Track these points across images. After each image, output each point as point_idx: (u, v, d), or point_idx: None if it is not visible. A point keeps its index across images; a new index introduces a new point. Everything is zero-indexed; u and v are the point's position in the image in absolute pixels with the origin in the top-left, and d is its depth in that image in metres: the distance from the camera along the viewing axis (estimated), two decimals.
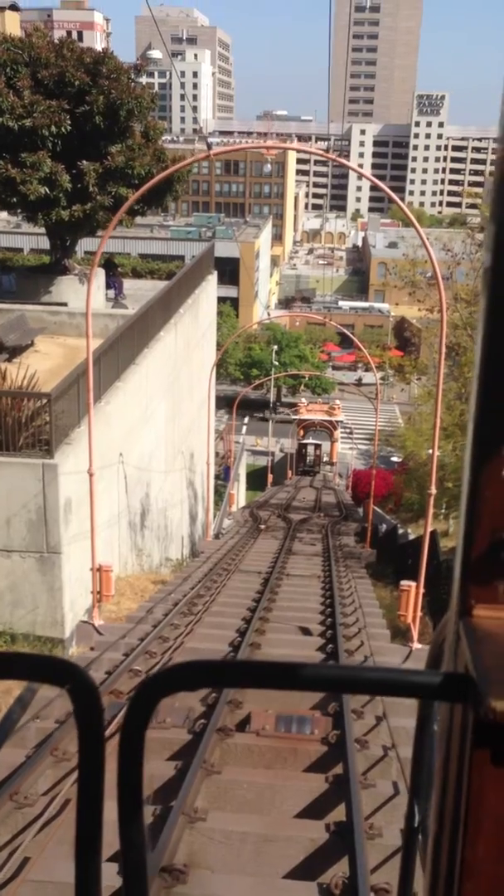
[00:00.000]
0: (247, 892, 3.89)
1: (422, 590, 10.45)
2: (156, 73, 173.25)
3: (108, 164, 19.52)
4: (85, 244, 28.89)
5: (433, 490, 10.99)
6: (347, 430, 55.94)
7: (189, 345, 24.81)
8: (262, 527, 24.10)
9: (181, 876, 3.82)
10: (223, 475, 40.05)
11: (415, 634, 10.22)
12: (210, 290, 29.21)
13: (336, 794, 4.91)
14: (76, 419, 14.18)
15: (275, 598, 11.67)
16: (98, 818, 0.82)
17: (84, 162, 19.26)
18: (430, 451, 13.21)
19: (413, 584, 10.62)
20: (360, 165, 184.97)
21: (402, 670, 0.83)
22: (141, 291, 25.02)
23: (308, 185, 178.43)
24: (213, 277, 29.60)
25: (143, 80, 22.31)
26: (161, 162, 21.44)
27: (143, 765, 0.81)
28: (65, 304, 22.12)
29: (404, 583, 10.99)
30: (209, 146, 10.83)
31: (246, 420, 65.72)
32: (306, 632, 9.62)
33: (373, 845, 4.23)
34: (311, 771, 5.59)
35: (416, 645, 9.95)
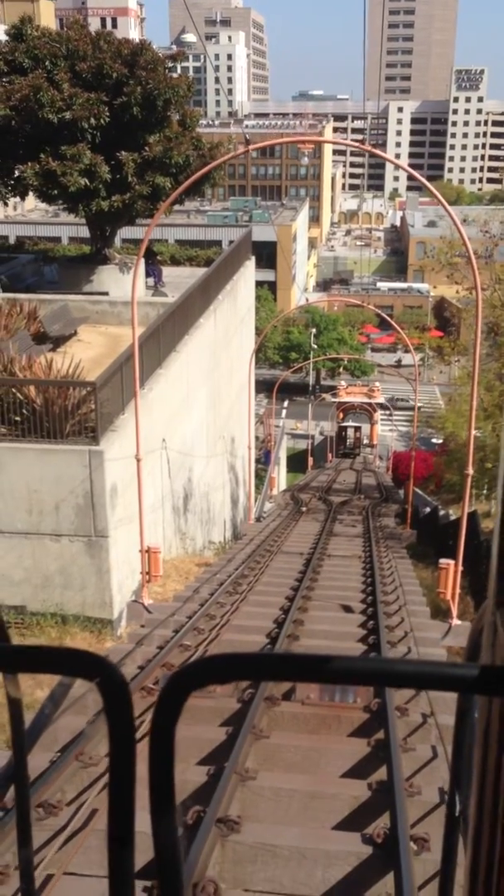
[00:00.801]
0: (296, 840, 4.23)
1: (460, 568, 10.64)
2: (190, 57, 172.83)
3: (147, 154, 19.79)
4: (123, 232, 29.26)
5: (470, 471, 11.15)
6: (388, 412, 55.81)
7: (228, 331, 25.09)
8: (304, 509, 24.38)
9: (235, 826, 4.18)
10: (263, 459, 40.37)
11: (454, 611, 10.45)
12: (248, 275, 29.41)
13: (378, 757, 5.23)
14: (120, 406, 14.54)
15: (317, 577, 11.98)
16: (130, 815, 0.82)
17: (123, 153, 19.56)
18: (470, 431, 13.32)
19: (452, 562, 10.82)
20: (398, 144, 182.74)
21: (438, 663, 0.82)
22: (180, 279, 25.33)
23: (345, 166, 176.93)
24: (250, 263, 29.80)
25: (178, 66, 22.49)
26: (198, 150, 21.66)
27: (174, 761, 0.81)
28: (106, 294, 22.51)
29: (443, 561, 11.21)
30: (247, 141, 11.03)
31: (286, 404, 65.89)
32: (348, 609, 9.92)
33: (412, 802, 4.53)
34: (355, 736, 5.90)
35: (456, 621, 10.18)
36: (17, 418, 13.46)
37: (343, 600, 10.32)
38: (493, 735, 0.86)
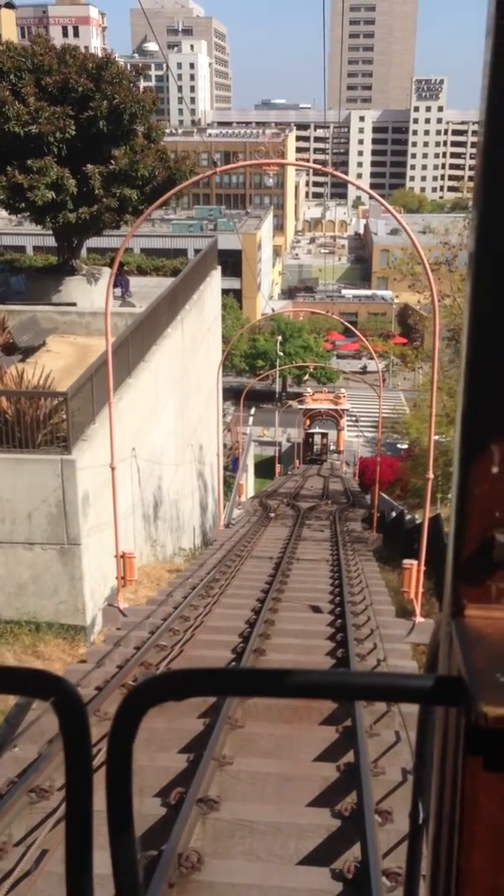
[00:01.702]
0: (271, 816, 4.55)
1: (423, 567, 11.08)
2: (152, 66, 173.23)
3: (113, 166, 20.09)
4: (89, 241, 29.42)
5: (431, 474, 11.60)
6: (353, 419, 56.52)
7: (195, 340, 25.40)
8: (272, 515, 24.74)
9: (215, 805, 4.49)
10: (231, 466, 40.67)
11: (417, 609, 10.88)
12: (214, 285, 29.77)
13: (346, 743, 5.58)
14: (91, 416, 14.78)
15: (286, 580, 12.35)
16: (88, 837, 0.79)
17: (89, 165, 19.83)
18: (434, 436, 13.77)
19: (414, 562, 11.26)
20: (360, 152, 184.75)
21: (394, 675, 0.82)
22: (146, 289, 25.58)
23: (308, 174, 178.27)
24: (216, 273, 30.16)
25: (142, 79, 22.82)
26: (164, 162, 22.02)
27: (131, 781, 0.79)
28: (73, 304, 22.73)
29: (406, 561, 11.65)
30: (214, 163, 11.37)
31: (252, 411, 66.33)
32: (317, 609, 10.30)
33: (377, 781, 4.90)
34: (325, 724, 6.25)
35: (419, 619, 10.61)
36: None
37: (312, 601, 10.71)
38: (450, 743, 0.86)
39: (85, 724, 0.80)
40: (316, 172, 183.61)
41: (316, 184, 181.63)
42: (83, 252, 27.32)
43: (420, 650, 10.21)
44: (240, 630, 8.83)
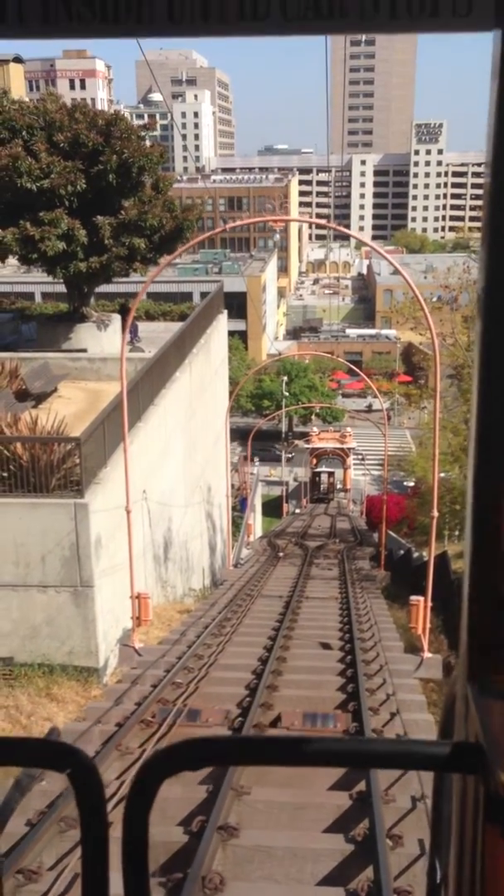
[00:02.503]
0: (288, 842, 4.77)
1: (430, 604, 11.31)
2: (157, 115, 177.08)
3: (123, 217, 20.74)
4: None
5: (435, 512, 11.88)
6: (359, 457, 56.83)
7: (203, 382, 25.86)
8: (281, 554, 24.96)
9: (234, 832, 4.71)
10: (239, 506, 40.90)
11: (425, 645, 11.10)
12: (221, 328, 30.34)
13: (358, 773, 5.79)
14: (103, 460, 15.11)
15: (296, 618, 12.59)
16: None
17: (99, 217, 20.48)
18: (439, 474, 14.06)
19: (421, 598, 11.50)
20: (362, 195, 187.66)
21: (411, 741, 0.84)
22: (155, 333, 26.12)
23: (311, 217, 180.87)
24: (223, 316, 30.75)
25: (149, 134, 23.63)
26: (171, 212, 22.71)
27: (147, 854, 0.78)
28: (84, 350, 23.23)
29: (413, 598, 11.88)
30: (224, 221, 11.86)
31: (259, 452, 66.68)
32: (326, 646, 10.54)
33: (388, 808, 5.12)
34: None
35: (427, 655, 10.83)
36: (4, 474, 13.98)
37: (322, 638, 10.95)
38: (468, 809, 0.84)
39: (101, 797, 0.80)
40: (319, 215, 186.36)
41: (318, 226, 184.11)
42: (92, 299, 27.96)
43: (429, 687, 10.41)
44: (252, 667, 9.08)
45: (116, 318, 25.40)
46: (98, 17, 0.93)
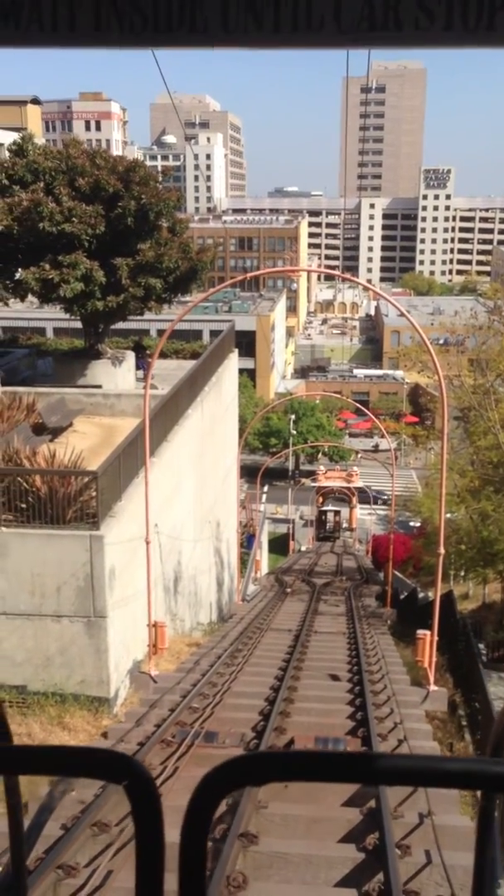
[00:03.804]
0: (304, 849, 5.09)
1: (435, 637, 11.62)
2: (170, 156, 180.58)
3: (140, 259, 21.40)
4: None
5: (442, 550, 12.24)
6: (373, 495, 57.09)
7: (214, 420, 26.35)
8: (289, 590, 25.22)
9: (255, 839, 5.04)
10: (246, 543, 41.16)
11: (431, 678, 11.39)
12: (231, 367, 30.92)
13: (370, 791, 6.10)
14: (118, 494, 15.50)
15: (305, 651, 12.90)
16: None
17: (118, 259, 21.14)
18: (445, 514, 14.42)
19: (428, 632, 11.82)
20: (370, 238, 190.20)
21: (485, 760, 0.76)
22: (167, 371, 26.66)
23: (320, 258, 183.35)
24: (234, 355, 31.35)
25: (160, 163, 24.40)
26: (186, 254, 23.40)
27: (205, 874, 0.75)
28: (99, 386, 23.75)
29: (420, 632, 12.20)
30: (245, 271, 12.42)
31: (265, 489, 67.00)
32: (335, 678, 10.84)
33: (397, 823, 5.44)
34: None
35: (433, 687, 11.13)
36: (23, 505, 14.37)
37: (331, 670, 11.26)
38: None
39: (158, 810, 0.77)
40: (328, 257, 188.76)
41: (328, 267, 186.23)
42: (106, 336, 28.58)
43: (439, 723, 10.69)
44: (265, 695, 9.40)
45: (130, 356, 26.01)
46: (151, 26, 0.91)
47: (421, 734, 7.77)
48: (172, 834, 0.73)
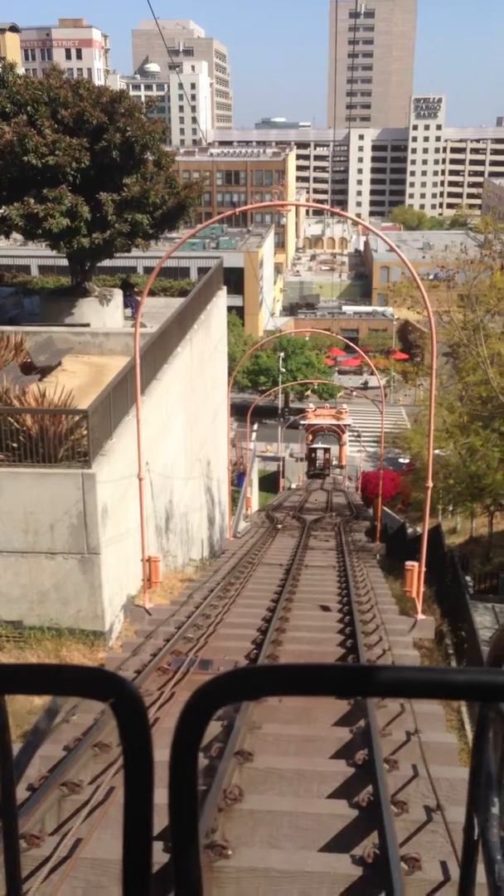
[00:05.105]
0: (297, 765, 5.34)
1: (423, 568, 11.90)
2: (154, 86, 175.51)
3: (125, 194, 21.03)
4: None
5: (430, 483, 12.43)
6: (355, 434, 57.40)
7: (203, 358, 26.28)
8: (279, 526, 25.55)
9: (250, 756, 5.28)
10: (237, 481, 41.49)
11: (419, 607, 11.71)
12: (220, 304, 30.70)
13: (360, 712, 6.37)
14: (108, 432, 15.58)
15: (296, 584, 13.19)
16: (148, 843, 0.75)
17: (103, 193, 20.76)
18: (434, 450, 14.59)
19: (416, 563, 12.10)
20: (360, 170, 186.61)
21: (494, 670, 0.75)
22: (155, 309, 26.47)
23: (308, 192, 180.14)
24: (222, 292, 31.09)
25: (143, 92, 23.82)
26: (172, 188, 23.00)
27: (196, 785, 0.75)
28: (87, 325, 23.60)
29: (409, 563, 12.48)
30: (234, 206, 12.25)
31: (255, 427, 67.17)
32: (326, 608, 11.14)
33: (385, 741, 5.69)
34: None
35: (421, 616, 11.45)
36: (14, 444, 14.44)
37: (321, 601, 11.55)
38: None
39: (146, 728, 0.77)
40: (316, 190, 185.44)
41: (316, 201, 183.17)
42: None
43: (424, 650, 11.02)
44: (257, 625, 9.67)
45: (118, 293, 25.77)
46: None
47: (409, 660, 8.06)
48: (167, 754, 0.75)
